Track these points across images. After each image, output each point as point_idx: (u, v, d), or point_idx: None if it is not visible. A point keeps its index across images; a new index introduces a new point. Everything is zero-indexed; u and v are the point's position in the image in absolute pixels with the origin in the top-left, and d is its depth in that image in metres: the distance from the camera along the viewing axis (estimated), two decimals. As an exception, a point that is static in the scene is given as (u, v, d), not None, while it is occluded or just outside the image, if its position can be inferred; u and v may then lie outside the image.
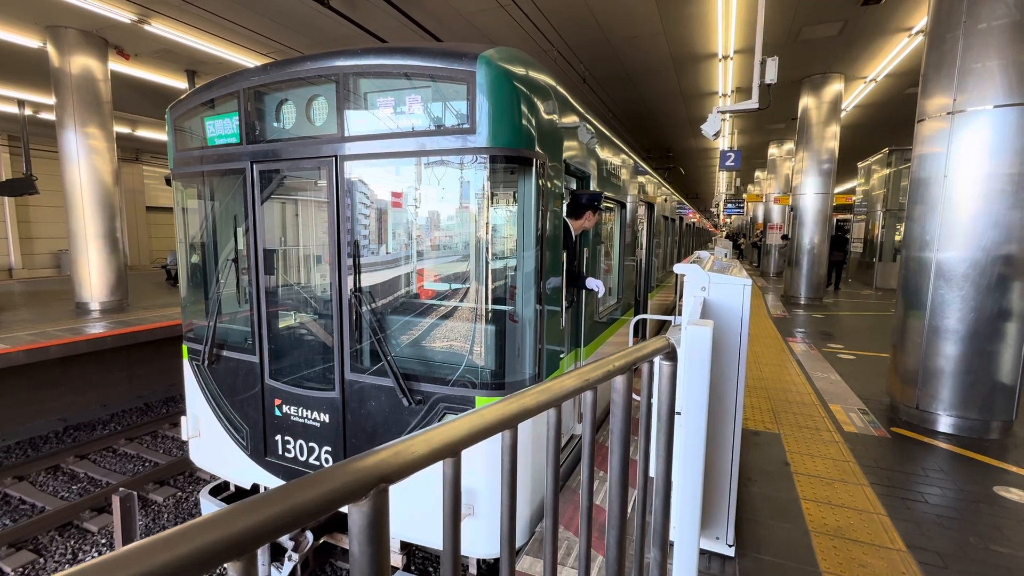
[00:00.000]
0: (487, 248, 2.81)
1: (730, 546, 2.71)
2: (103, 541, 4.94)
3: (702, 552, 2.66)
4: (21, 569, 4.53)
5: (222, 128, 3.36)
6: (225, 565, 0.55)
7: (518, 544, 2.88)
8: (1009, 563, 2.72)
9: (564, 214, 3.44)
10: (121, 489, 3.53)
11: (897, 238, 15.27)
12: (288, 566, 3.20)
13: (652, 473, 1.69)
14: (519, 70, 2.71)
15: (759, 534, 2.94)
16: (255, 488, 3.63)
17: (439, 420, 2.40)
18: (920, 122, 4.67)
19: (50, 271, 17.43)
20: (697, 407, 2.05)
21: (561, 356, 3.36)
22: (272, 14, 8.05)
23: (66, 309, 9.50)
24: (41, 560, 4.67)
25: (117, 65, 9.64)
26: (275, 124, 3.21)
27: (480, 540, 2.81)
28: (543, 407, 1.09)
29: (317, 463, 3.23)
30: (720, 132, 7.90)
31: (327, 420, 3.14)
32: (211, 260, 3.81)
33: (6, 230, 16.26)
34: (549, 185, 2.93)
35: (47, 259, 17.43)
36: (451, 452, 0.86)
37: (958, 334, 4.32)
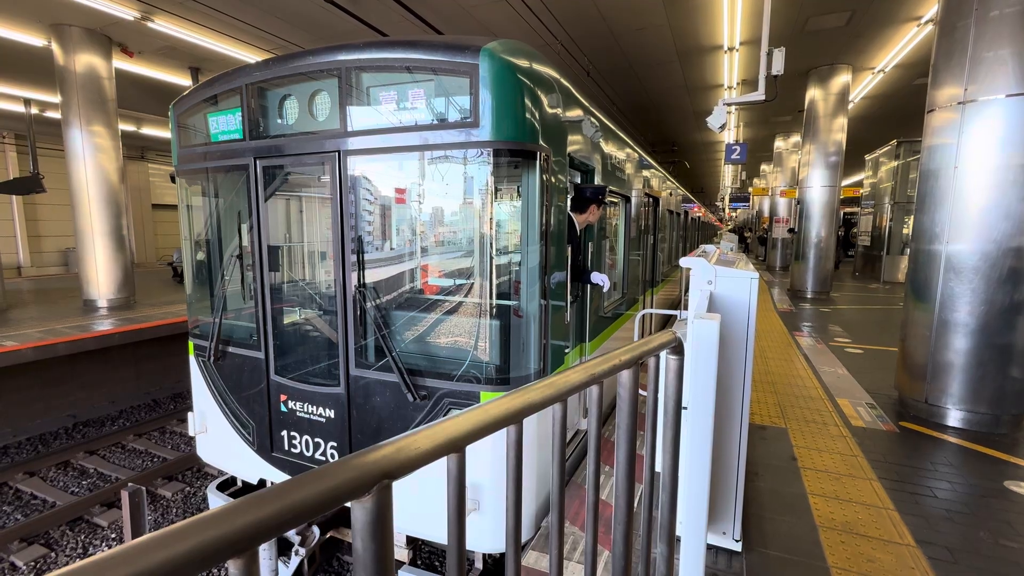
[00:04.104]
0: (491, 243, 2.79)
1: (737, 541, 2.70)
2: (113, 536, 4.99)
3: (709, 547, 2.64)
4: (33, 563, 4.59)
5: (225, 124, 3.35)
6: (226, 563, 0.54)
7: (524, 539, 2.88)
8: (1020, 558, 2.69)
9: (568, 208, 3.42)
10: (130, 484, 3.56)
11: (905, 231, 15.12)
12: (295, 561, 3.22)
13: (658, 468, 1.68)
14: (522, 63, 2.69)
15: (766, 529, 2.93)
16: (262, 483, 3.65)
17: (444, 415, 2.39)
18: (930, 112, 4.60)
19: (58, 269, 17.58)
20: (704, 402, 2.04)
21: (566, 351, 3.35)
22: (275, 10, 8.03)
23: (74, 306, 9.57)
24: (52, 554, 4.72)
25: (121, 63, 9.66)
26: (278, 120, 3.20)
27: (486, 535, 2.81)
28: (548, 402, 1.07)
29: (323, 458, 3.24)
30: (726, 125, 7.83)
31: (332, 416, 3.14)
32: (216, 257, 3.82)
33: (14, 228, 16.40)
34: (553, 179, 2.91)
35: (55, 257, 17.57)
36: (455, 448, 0.85)
37: (968, 327, 4.27)
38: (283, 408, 3.32)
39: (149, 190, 20.78)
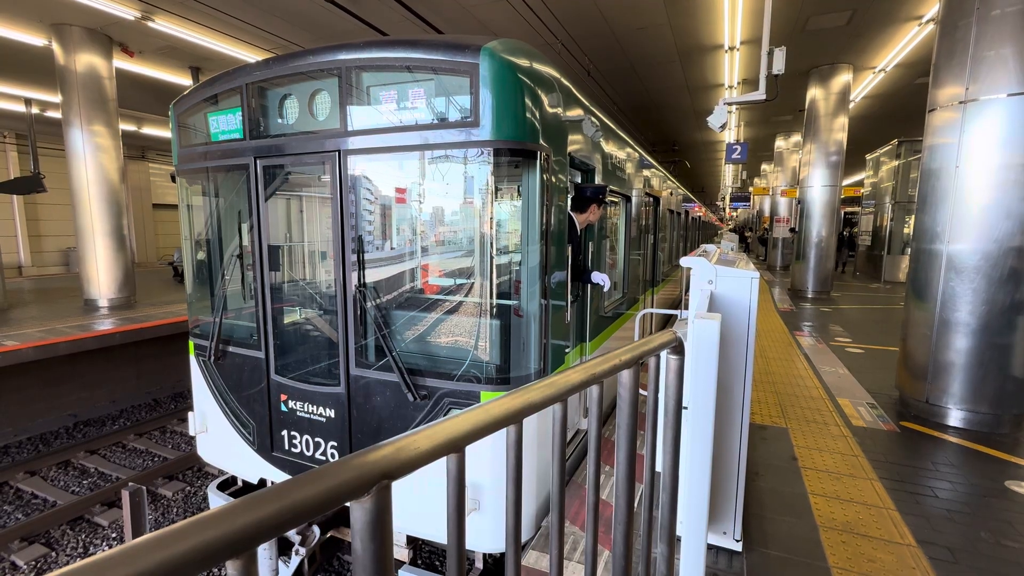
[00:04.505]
0: (491, 242, 2.79)
1: (737, 541, 2.69)
2: (113, 535, 5.00)
3: (709, 547, 2.64)
4: (33, 562, 4.59)
5: (225, 124, 3.35)
6: (225, 563, 0.54)
7: (524, 539, 2.88)
8: (1021, 558, 2.69)
9: (569, 208, 3.41)
10: (131, 484, 3.56)
11: (906, 231, 15.11)
12: (295, 560, 3.22)
13: (659, 468, 1.68)
14: (522, 62, 2.68)
15: (767, 529, 2.92)
16: (262, 483, 3.65)
17: (444, 415, 2.39)
18: (931, 112, 4.59)
19: (58, 268, 17.59)
20: (704, 401, 2.03)
21: (566, 351, 3.34)
22: (275, 10, 8.03)
23: (74, 306, 9.58)
24: (53, 554, 4.73)
25: (122, 63, 9.66)
26: (278, 119, 3.20)
27: (486, 535, 2.81)
28: (548, 402, 1.07)
29: (323, 458, 3.24)
30: (726, 124, 7.82)
31: (332, 415, 3.14)
32: (216, 257, 3.82)
33: (15, 228, 16.41)
34: (553, 178, 2.91)
35: (56, 256, 17.59)
36: (455, 448, 0.84)
37: (969, 327, 4.26)
38: (283, 408, 3.32)
39: (150, 190, 20.78)
